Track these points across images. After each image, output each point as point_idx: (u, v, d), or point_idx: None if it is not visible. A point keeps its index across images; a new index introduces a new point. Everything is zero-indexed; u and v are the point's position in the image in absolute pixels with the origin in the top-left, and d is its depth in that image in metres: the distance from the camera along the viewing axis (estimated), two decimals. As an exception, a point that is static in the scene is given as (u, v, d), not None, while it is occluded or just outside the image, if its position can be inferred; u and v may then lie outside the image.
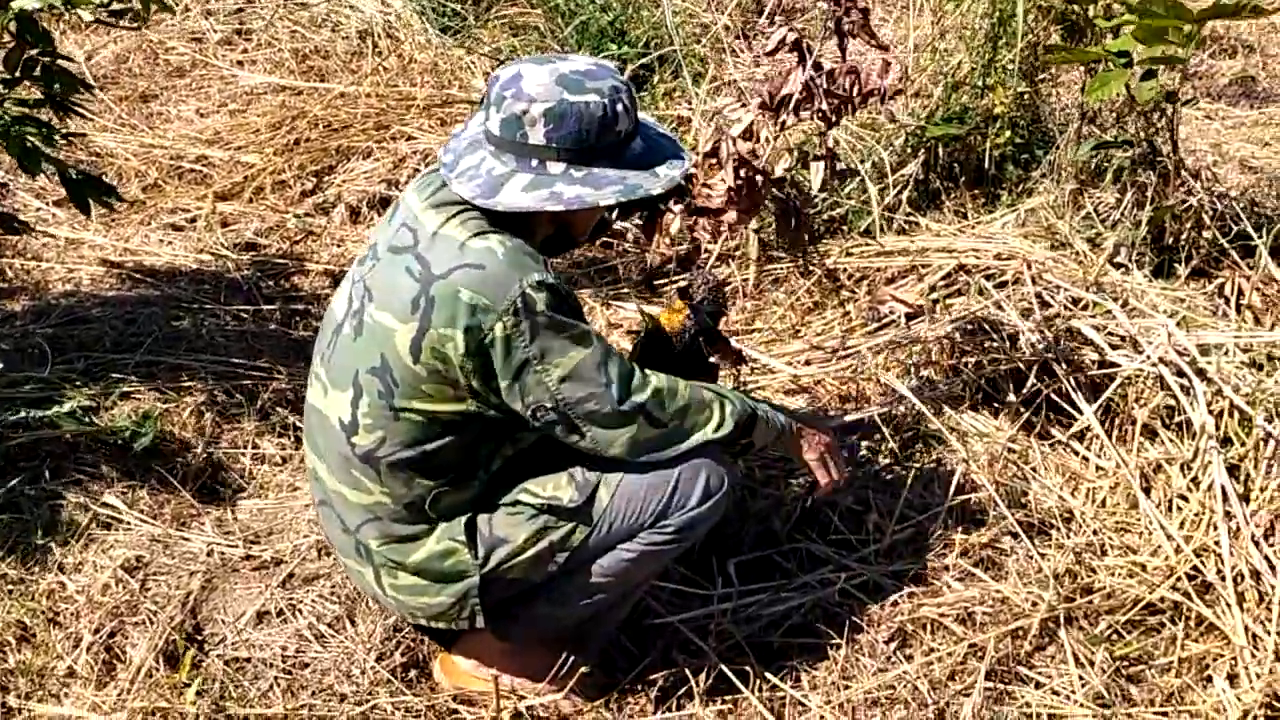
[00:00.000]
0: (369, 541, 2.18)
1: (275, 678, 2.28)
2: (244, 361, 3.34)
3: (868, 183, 3.91)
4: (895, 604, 2.55)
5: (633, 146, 2.14)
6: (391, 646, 2.36)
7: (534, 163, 2.08)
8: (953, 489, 2.79)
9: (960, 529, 2.73)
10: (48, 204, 4.45)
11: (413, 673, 2.35)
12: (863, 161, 4.00)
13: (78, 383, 3.23)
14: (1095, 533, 2.79)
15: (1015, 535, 2.71)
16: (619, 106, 2.09)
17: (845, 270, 3.83)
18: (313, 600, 2.42)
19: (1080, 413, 3.08)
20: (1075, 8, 3.88)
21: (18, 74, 2.89)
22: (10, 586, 2.49)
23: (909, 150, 4.09)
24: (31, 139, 2.83)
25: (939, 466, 2.87)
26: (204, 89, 5.42)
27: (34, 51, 2.84)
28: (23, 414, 3.02)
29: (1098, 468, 2.99)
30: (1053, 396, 3.17)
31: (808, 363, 3.47)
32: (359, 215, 4.48)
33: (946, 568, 2.65)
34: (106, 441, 2.95)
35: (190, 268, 4.04)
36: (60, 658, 2.33)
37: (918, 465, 2.88)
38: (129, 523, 2.65)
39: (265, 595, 2.43)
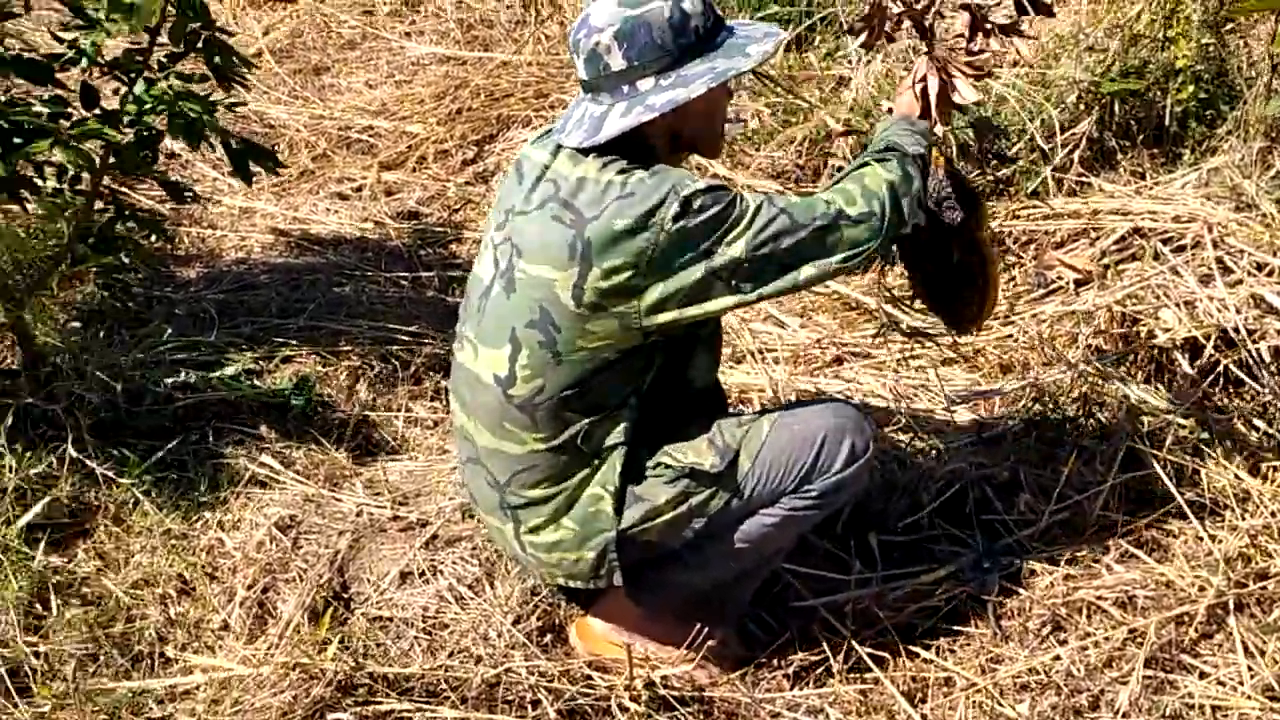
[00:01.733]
0: (519, 494, 2.19)
1: (415, 637, 2.32)
2: (400, 327, 3.40)
3: (1037, 139, 3.73)
4: (1050, 586, 2.43)
5: (718, 40, 2.13)
6: (529, 610, 2.37)
7: (625, 89, 2.10)
8: (1116, 466, 2.64)
9: (1124, 509, 2.59)
10: (224, 174, 4.61)
11: (548, 637, 2.36)
12: (1032, 119, 3.81)
13: (244, 347, 3.34)
14: (1274, 514, 2.60)
15: (1184, 516, 2.55)
16: (685, 5, 2.09)
17: (1011, 234, 3.67)
18: (454, 561, 2.45)
19: (1262, 386, 2.88)
20: (1267, -49, 3.62)
21: (181, 48, 2.98)
22: (174, 541, 2.60)
23: (1082, 107, 3.89)
24: (193, 112, 2.92)
25: (1103, 443, 2.72)
26: (373, 60, 5.55)
27: (196, 26, 2.92)
28: (190, 377, 3.14)
29: (1279, 446, 2.79)
30: (1232, 368, 2.97)
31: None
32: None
33: (1107, 549, 2.51)
34: (267, 403, 3.04)
35: (354, 235, 4.14)
36: (215, 611, 2.42)
37: (1081, 441, 2.73)
38: (284, 482, 2.73)
39: (409, 556, 2.47)
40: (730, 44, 2.15)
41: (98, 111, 2.96)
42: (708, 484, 2.16)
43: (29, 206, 2.98)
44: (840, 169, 2.42)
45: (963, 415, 2.93)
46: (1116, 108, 3.86)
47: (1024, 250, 3.63)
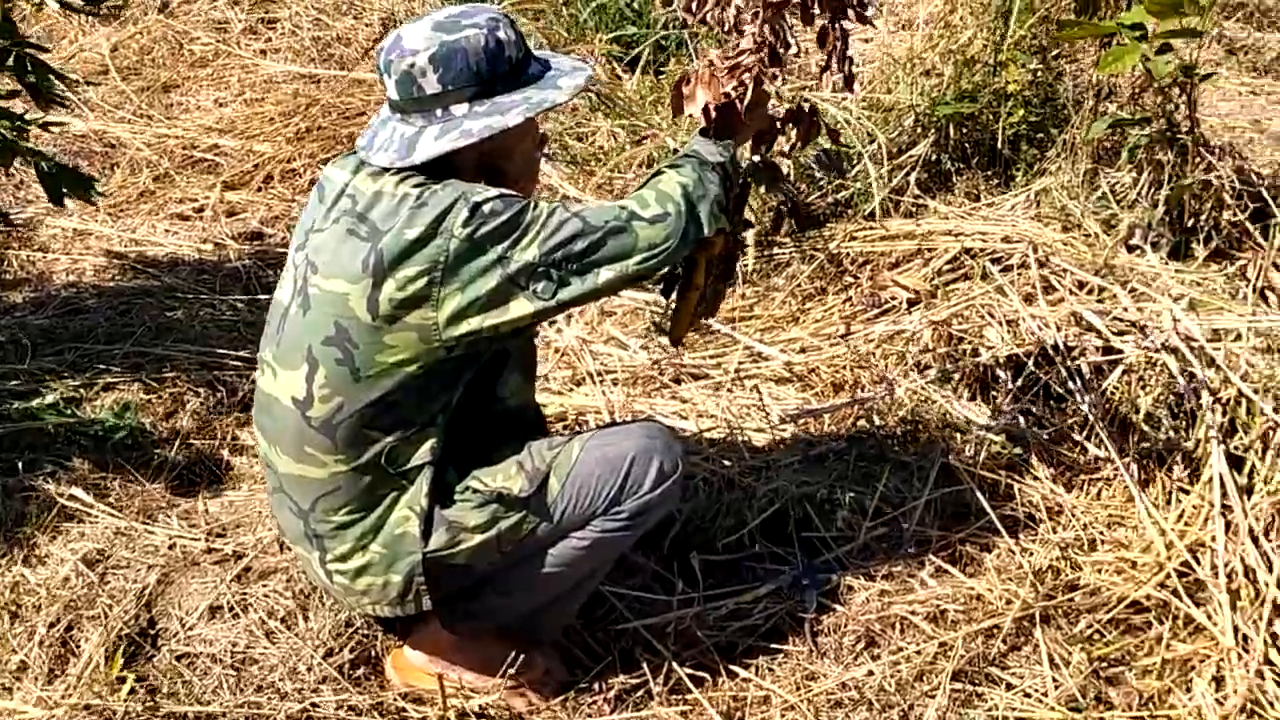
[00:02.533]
0: (324, 519, 2.14)
1: (221, 674, 2.25)
2: (231, 352, 3.33)
3: (869, 165, 3.80)
4: (866, 602, 2.46)
5: (531, 71, 2.15)
6: (342, 642, 2.32)
7: (438, 113, 2.09)
8: (931, 482, 2.69)
9: (939, 524, 2.64)
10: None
11: (361, 670, 2.31)
12: (869, 142, 3.88)
13: (65, 374, 3.24)
14: (1085, 527, 2.68)
15: (997, 530, 2.61)
16: (500, 34, 2.10)
17: (848, 255, 3.73)
18: (266, 594, 2.39)
19: (1080, 401, 2.96)
20: (1089, -20, 3.74)
21: (-9, 66, 2.89)
22: (-26, 579, 2.49)
23: (919, 130, 3.97)
24: (2, 131, 2.82)
25: (922, 459, 2.77)
26: (224, 79, 5.44)
27: (3, 43, 2.83)
28: (6, 406, 3.03)
29: (1094, 460, 2.87)
30: (1052, 385, 3.06)
31: (803, 350, 3.38)
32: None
33: (921, 564, 2.56)
34: (84, 433, 2.95)
35: (193, 258, 4.04)
36: (15, 651, 2.32)
37: (901, 457, 2.78)
38: (95, 516, 2.64)
39: (220, 589, 2.41)
40: (547, 77, 2.16)
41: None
42: (517, 508, 2.14)
43: None
44: None
45: (790, 434, 2.95)
46: (951, 131, 3.95)
47: (860, 271, 3.69)
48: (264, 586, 2.42)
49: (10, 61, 2.91)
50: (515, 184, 2.23)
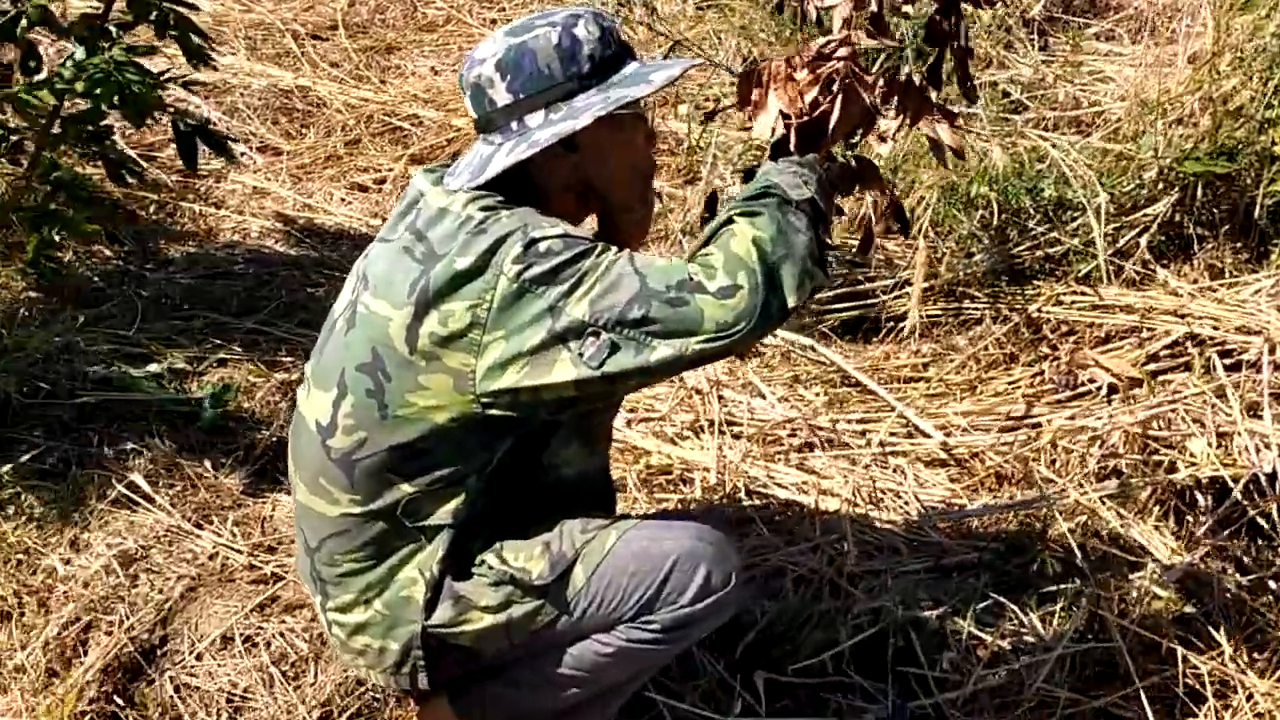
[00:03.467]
0: (329, 562, 1.90)
1: (213, 718, 2.05)
2: (352, 342, 3.14)
3: (1091, 219, 3.28)
4: (954, 770, 2.03)
5: (625, 70, 1.84)
6: (344, 705, 2.07)
7: (514, 125, 1.82)
8: (1078, 626, 2.21)
9: (1072, 685, 2.16)
10: (252, 149, 4.44)
11: (353, 742, 2.06)
12: (1095, 193, 3.35)
13: (184, 342, 3.13)
14: (1262, 718, 2.15)
15: (1144, 706, 2.12)
16: (578, 30, 1.81)
17: (1050, 321, 3.23)
18: (282, 633, 2.17)
19: (1290, 548, 2.42)
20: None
21: (133, 18, 2.77)
22: (19, 557, 2.38)
23: (1161, 186, 3.41)
24: (133, 84, 2.70)
25: (1075, 596, 2.29)
26: (447, 45, 5.32)
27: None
28: (111, 369, 2.94)
29: (1298, 627, 2.32)
30: (1262, 523, 2.51)
31: (970, 429, 2.92)
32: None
33: (1037, 733, 2.10)
34: (178, 411, 2.82)
35: (358, 232, 3.90)
36: (21, 648, 2.19)
37: (1045, 588, 2.32)
38: (150, 507, 2.49)
39: (239, 616, 2.20)
40: (634, 72, 1.85)
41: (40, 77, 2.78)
42: (534, 595, 1.84)
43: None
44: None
45: (923, 534, 2.53)
46: (1200, 191, 3.37)
47: (1061, 341, 3.19)
48: (283, 623, 2.20)
49: (152, 18, 2.78)
50: (619, 205, 1.94)
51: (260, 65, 4.91)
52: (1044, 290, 3.30)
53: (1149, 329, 3.12)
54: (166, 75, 2.93)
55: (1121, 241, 3.36)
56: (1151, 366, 3.04)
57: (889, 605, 2.23)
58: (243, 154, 4.41)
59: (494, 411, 1.77)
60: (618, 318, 1.70)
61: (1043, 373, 3.10)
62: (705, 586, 1.81)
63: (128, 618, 2.22)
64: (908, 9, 1.87)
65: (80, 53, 2.77)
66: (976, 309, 3.32)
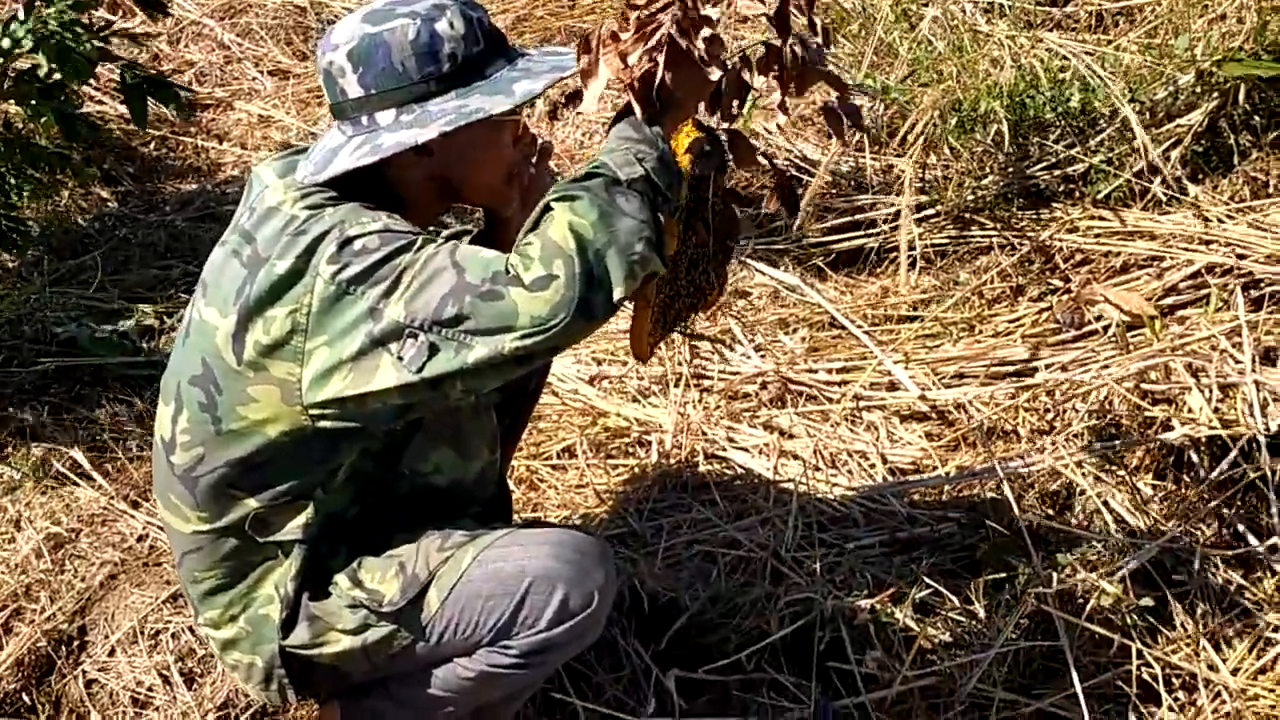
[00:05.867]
0: (190, 580, 1.85)
1: (113, 718, 2.03)
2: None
3: (1136, 128, 2.95)
4: (873, 781, 1.90)
5: (490, 72, 1.69)
6: (239, 710, 2.03)
7: (364, 120, 1.69)
8: (1020, 620, 2.04)
9: (1011, 684, 2.00)
10: (263, 72, 4.35)
11: (249, 746, 2.02)
12: (1125, 100, 3.03)
13: (162, 295, 3.10)
14: (1230, 718, 1.96)
15: (1119, 700, 1.95)
16: (439, 25, 1.66)
17: (1063, 250, 2.97)
18: (191, 627, 2.13)
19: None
20: None
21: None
22: (-40, 535, 2.39)
23: (1198, 92, 3.07)
24: (70, 41, 2.61)
25: (1026, 579, 2.11)
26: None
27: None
28: (85, 328, 2.91)
29: (1283, 612, 2.11)
30: (1263, 490, 2.28)
31: (960, 376, 2.71)
32: (556, 113, 4.02)
33: (969, 740, 1.95)
34: (139, 375, 2.78)
35: (358, 162, 3.79)
36: (-57, 640, 2.20)
37: (1001, 574, 2.14)
38: (86, 486, 2.46)
39: (151, 608, 2.17)
40: (501, 77, 1.69)
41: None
42: (388, 620, 1.75)
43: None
44: None
45: (885, 502, 2.36)
46: (1241, 96, 3.02)
47: (1075, 272, 2.93)
48: (192, 615, 2.16)
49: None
50: (487, 206, 1.86)
51: (276, -18, 4.78)
52: (1060, 215, 3.03)
53: (1170, 258, 2.85)
54: (112, 29, 2.83)
55: (1150, 155, 3.05)
56: (1169, 300, 2.78)
57: (817, 597, 2.08)
58: (253, 79, 4.33)
59: (325, 424, 1.67)
60: (433, 316, 1.57)
61: (1049, 309, 2.86)
62: (562, 610, 1.69)
63: (49, 606, 2.21)
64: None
65: (21, 11, 2.70)
66: (986, 237, 3.07)
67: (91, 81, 3.82)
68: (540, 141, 1.88)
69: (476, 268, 1.58)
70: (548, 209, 1.60)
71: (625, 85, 1.61)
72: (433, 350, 1.58)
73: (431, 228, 1.79)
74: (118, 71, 2.85)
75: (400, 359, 1.59)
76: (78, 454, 2.52)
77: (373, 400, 1.62)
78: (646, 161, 1.60)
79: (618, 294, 1.56)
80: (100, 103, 4.02)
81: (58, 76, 2.78)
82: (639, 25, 1.57)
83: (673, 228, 1.69)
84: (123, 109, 3.39)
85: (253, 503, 1.74)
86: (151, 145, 3.91)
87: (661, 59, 1.56)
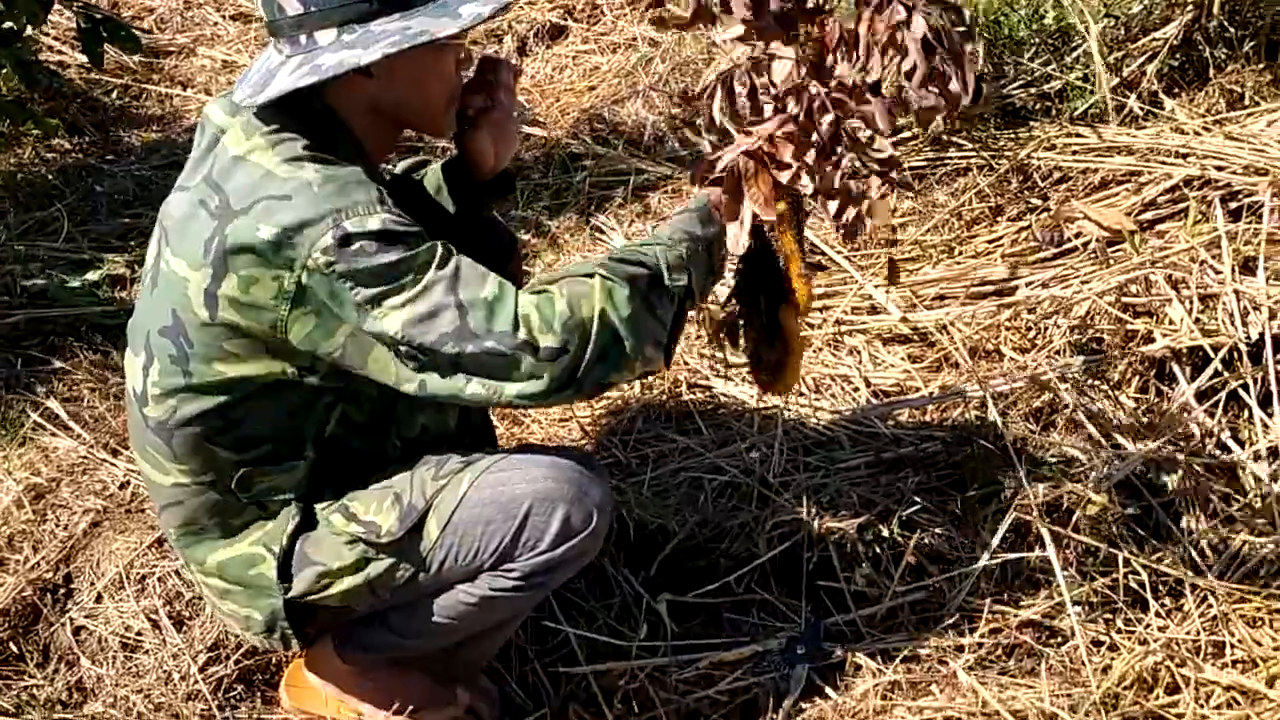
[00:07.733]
0: (175, 535, 1.83)
1: (104, 664, 2.03)
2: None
3: (1094, 47, 2.94)
4: (863, 696, 1.90)
5: None
6: (230, 650, 2.02)
7: (302, 39, 1.64)
8: (1005, 530, 2.04)
9: (1000, 597, 2.01)
10: (224, 17, 4.27)
11: (239, 688, 2.01)
12: (1096, 17, 3.00)
13: (128, 245, 3.06)
14: (1216, 621, 1.98)
15: (1107, 607, 1.96)
16: None
17: (1041, 168, 2.95)
18: (178, 570, 2.11)
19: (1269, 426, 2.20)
20: None
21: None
22: (-64, 492, 2.36)
23: (1173, 4, 3.05)
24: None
25: (1011, 493, 2.12)
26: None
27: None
28: (52, 280, 2.88)
29: (1270, 522, 2.12)
30: (1245, 399, 2.29)
31: (940, 298, 2.71)
32: (526, 48, 3.98)
33: (959, 650, 1.96)
34: (112, 324, 2.75)
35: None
36: (-73, 594, 2.18)
37: (987, 489, 2.15)
38: (64, 435, 2.43)
39: (137, 554, 2.15)
40: (447, 2, 1.64)
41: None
42: (388, 553, 1.74)
43: None
44: None
45: (870, 424, 2.36)
46: (1216, 7, 3.00)
47: (1053, 190, 2.92)
48: (178, 560, 2.14)
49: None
50: (429, 131, 1.82)
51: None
52: (1037, 133, 3.01)
53: (1148, 172, 2.83)
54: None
55: (1126, 71, 3.03)
56: (1149, 215, 2.77)
57: (805, 518, 2.09)
58: (215, 24, 4.26)
59: (312, 380, 1.65)
60: (431, 347, 1.60)
61: (1028, 228, 2.85)
62: (565, 529, 1.70)
63: (32, 556, 2.19)
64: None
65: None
66: (964, 158, 3.05)
67: (50, 31, 3.77)
68: (511, 65, 1.84)
69: (482, 314, 1.58)
70: (590, 275, 1.61)
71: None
72: (424, 369, 1.61)
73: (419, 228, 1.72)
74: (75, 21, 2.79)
75: (395, 355, 1.61)
76: (54, 404, 2.49)
77: (359, 373, 1.65)
78: (696, 271, 1.67)
79: (611, 381, 1.64)
80: (60, 52, 3.95)
81: (10, 24, 2.72)
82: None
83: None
84: (83, 58, 3.33)
85: (233, 457, 1.73)
86: (114, 94, 3.84)
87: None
